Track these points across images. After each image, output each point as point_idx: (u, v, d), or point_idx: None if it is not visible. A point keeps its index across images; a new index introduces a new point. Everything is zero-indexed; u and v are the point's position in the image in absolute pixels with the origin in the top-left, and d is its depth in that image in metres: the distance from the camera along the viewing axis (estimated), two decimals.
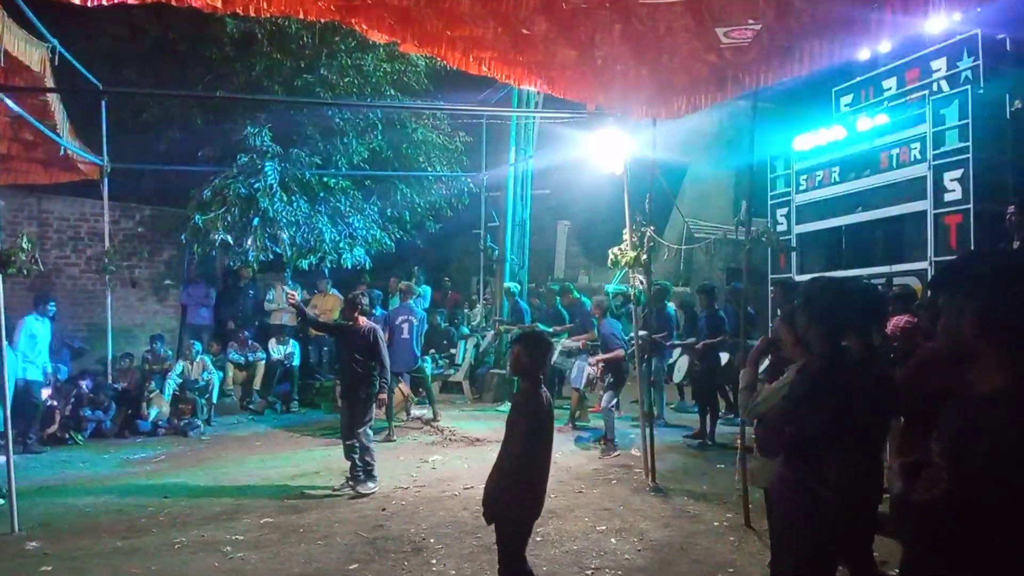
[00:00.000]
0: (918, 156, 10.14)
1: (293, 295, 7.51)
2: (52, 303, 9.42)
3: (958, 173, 9.48)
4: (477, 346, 13.15)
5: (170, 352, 11.23)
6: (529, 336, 4.17)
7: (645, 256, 7.25)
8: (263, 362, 11.67)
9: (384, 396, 7.37)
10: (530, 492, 3.87)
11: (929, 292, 7.15)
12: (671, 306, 10.92)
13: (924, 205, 9.90)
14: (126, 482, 7.47)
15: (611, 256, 7.57)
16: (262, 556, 5.36)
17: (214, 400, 10.71)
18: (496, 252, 14.45)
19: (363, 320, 7.34)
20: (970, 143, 9.35)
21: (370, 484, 6.94)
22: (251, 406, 11.57)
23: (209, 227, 11.11)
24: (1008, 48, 10.25)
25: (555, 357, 10.52)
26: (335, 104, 12.47)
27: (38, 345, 9.04)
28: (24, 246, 5.99)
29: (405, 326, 10.10)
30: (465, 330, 13.50)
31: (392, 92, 13.17)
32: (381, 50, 12.63)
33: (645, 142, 7.59)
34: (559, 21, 5.36)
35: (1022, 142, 9.45)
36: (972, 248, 8.80)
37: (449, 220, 15.29)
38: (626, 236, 7.38)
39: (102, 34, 12.28)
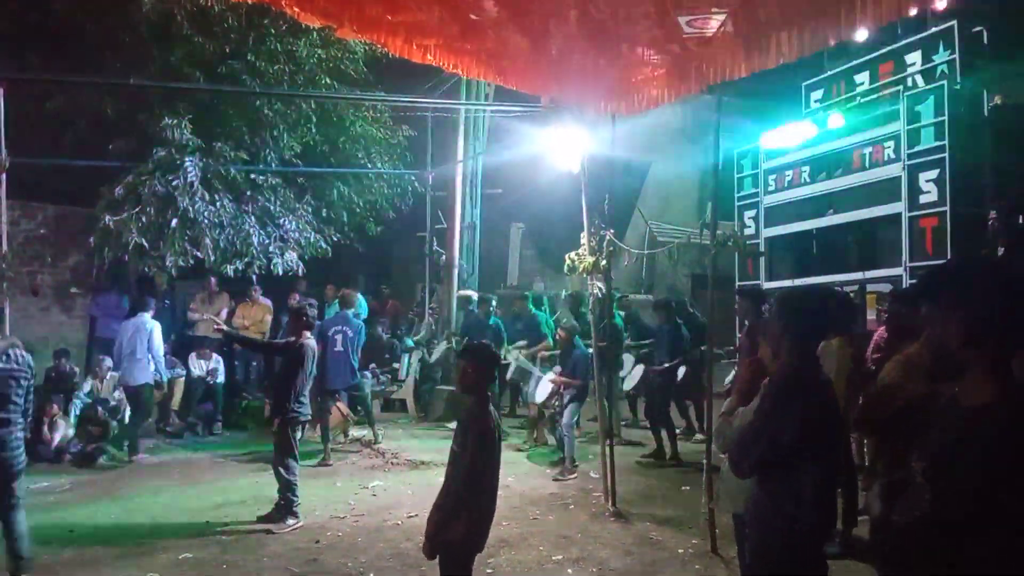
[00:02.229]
0: (892, 155, 10.39)
1: (220, 326, 7.49)
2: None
3: (934, 173, 9.73)
4: (422, 360, 13.08)
5: (77, 369, 10.91)
6: (476, 349, 4.26)
7: (604, 262, 7.31)
8: (182, 379, 11.42)
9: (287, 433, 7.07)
10: (478, 520, 3.88)
11: (889, 301, 7.30)
12: (621, 316, 11.05)
13: (899, 207, 10.14)
14: (25, 515, 7.21)
15: (567, 262, 7.60)
16: None
17: (126, 422, 10.43)
18: (443, 257, 14.40)
19: (305, 334, 7.27)
20: (946, 142, 9.60)
21: (290, 521, 6.79)
22: (168, 429, 11.30)
23: (121, 229, 10.82)
24: (986, 41, 10.55)
25: (510, 372, 10.52)
26: (264, 93, 12.30)
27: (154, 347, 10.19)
28: None
29: (339, 338, 9.99)
30: (409, 343, 13.41)
31: (327, 81, 13.05)
32: (315, 35, 12.51)
33: (604, 139, 7.65)
34: (510, 6, 5.38)
35: (1001, 141, 9.72)
36: (954, 254, 9.04)
37: (392, 222, 15.19)
38: (584, 240, 7.42)
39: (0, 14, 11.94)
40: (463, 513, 3.83)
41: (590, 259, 7.32)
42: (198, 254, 11.30)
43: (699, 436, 10.30)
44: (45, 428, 9.78)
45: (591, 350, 8.26)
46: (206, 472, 9.16)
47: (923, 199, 9.84)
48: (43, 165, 11.97)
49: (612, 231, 7.38)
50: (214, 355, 11.70)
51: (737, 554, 4.09)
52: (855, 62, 12.18)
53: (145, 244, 10.96)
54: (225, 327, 8.52)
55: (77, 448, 9.77)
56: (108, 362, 10.55)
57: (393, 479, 8.66)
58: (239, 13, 12.08)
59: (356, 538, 6.49)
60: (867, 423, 4.21)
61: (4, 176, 9.01)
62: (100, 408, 10.10)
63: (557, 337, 9.77)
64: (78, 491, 8.31)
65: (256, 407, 11.76)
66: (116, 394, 10.29)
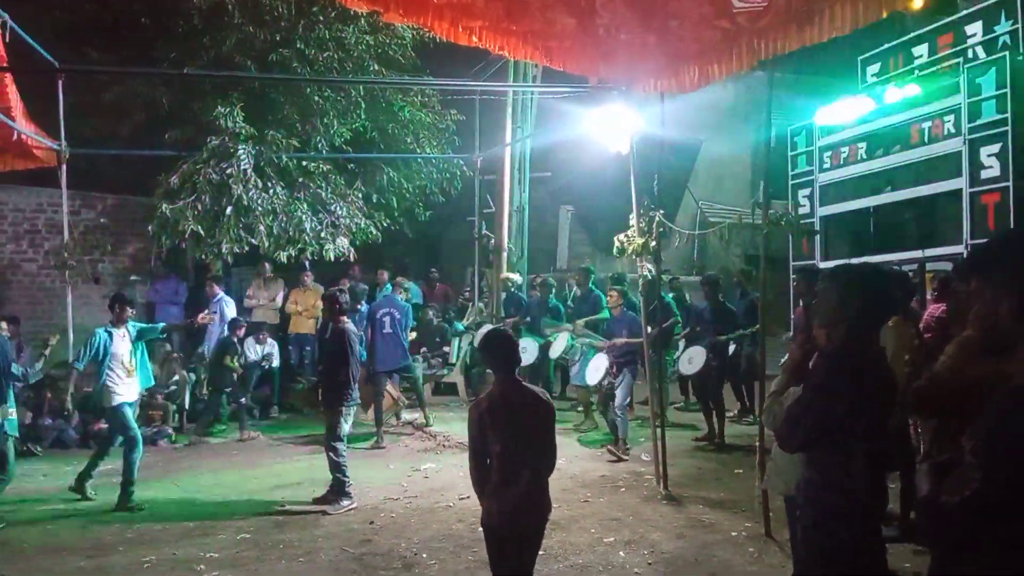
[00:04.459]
0: (952, 130, 10.12)
1: None
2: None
3: (996, 148, 9.46)
4: (472, 343, 13.13)
5: None
6: (489, 336, 4.36)
7: (654, 243, 7.23)
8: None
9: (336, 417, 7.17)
10: (493, 499, 3.93)
11: (939, 279, 7.12)
12: (671, 296, 10.93)
13: (959, 183, 9.89)
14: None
15: (617, 244, 7.55)
16: (239, 575, 5.37)
17: (186, 406, 10.68)
18: (492, 241, 14.40)
19: (343, 319, 7.40)
20: (1009, 115, 9.32)
21: (344, 502, 6.91)
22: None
23: (178, 217, 11.04)
24: None
25: (559, 352, 10.46)
26: (314, 81, 12.40)
27: None
28: None
29: (387, 320, 10.07)
30: (459, 327, 13.46)
31: (376, 67, 13.10)
32: (363, 21, 12.56)
33: (653, 118, 7.56)
34: None
35: None
36: (1009, 228, 8.79)
37: (441, 206, 15.24)
38: (633, 221, 7.35)
39: (58, 7, 12.21)
40: (481, 492, 3.99)
41: (639, 241, 7.25)
42: (252, 241, 11.47)
43: (749, 418, 10.20)
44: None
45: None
46: (263, 454, 9.35)
47: (985, 174, 9.56)
48: (101, 156, 12.26)
49: (662, 212, 7.31)
50: (269, 339, 11.88)
51: (790, 536, 4.04)
52: (913, 34, 11.86)
53: (201, 231, 11.17)
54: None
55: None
56: (167, 348, 10.80)
57: (445, 461, 8.72)
58: (288, 1, 12.19)
59: (409, 519, 6.57)
60: (925, 405, 4.09)
61: (64, 167, 9.26)
62: (160, 393, 10.36)
63: (608, 298, 9.62)
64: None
65: (312, 390, 11.93)
66: (175, 379, 10.54)
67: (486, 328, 12.72)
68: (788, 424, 2.86)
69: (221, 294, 11.05)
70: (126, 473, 7.13)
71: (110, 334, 7.36)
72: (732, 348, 9.66)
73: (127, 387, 7.37)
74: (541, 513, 4.03)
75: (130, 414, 7.43)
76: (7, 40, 8.00)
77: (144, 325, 7.99)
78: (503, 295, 12.82)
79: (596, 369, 9.53)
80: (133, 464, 7.19)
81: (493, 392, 4.04)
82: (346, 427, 7.21)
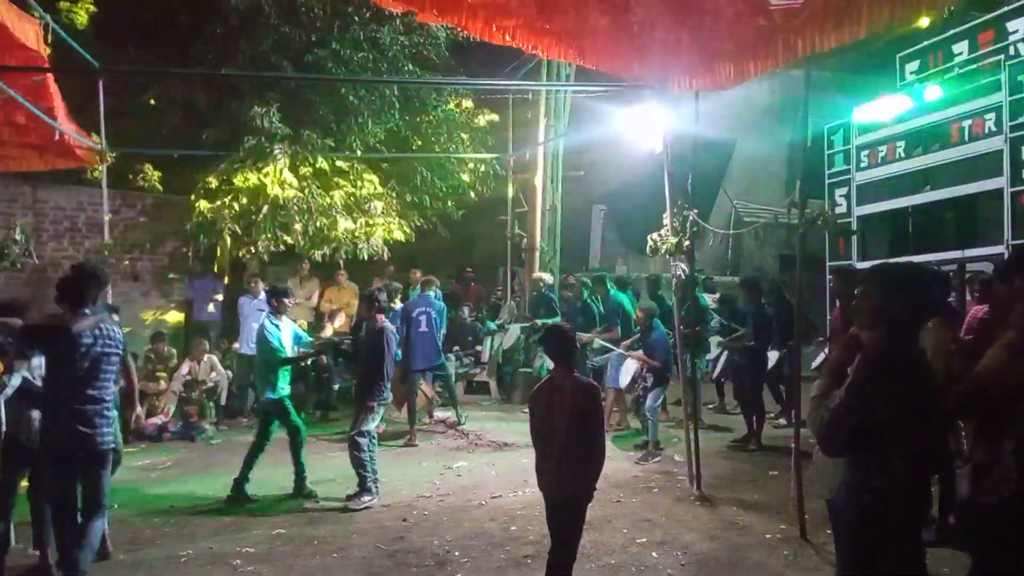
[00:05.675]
0: (993, 128, 9.95)
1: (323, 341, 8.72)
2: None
3: None
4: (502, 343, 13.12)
5: (174, 351, 11.33)
6: (548, 331, 4.97)
7: (688, 242, 7.17)
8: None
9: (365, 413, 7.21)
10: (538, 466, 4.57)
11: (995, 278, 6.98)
12: (705, 298, 10.81)
13: (1000, 183, 9.72)
14: (129, 490, 7.54)
15: (650, 243, 7.49)
16: (273, 569, 5.43)
17: (222, 402, 10.80)
18: (525, 240, 14.40)
19: (380, 318, 7.43)
20: None
21: (365, 498, 6.92)
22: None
23: (215, 216, 11.18)
24: None
25: (593, 358, 10.44)
26: (349, 80, 12.48)
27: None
28: (17, 238, 6.13)
29: (423, 319, 10.10)
30: (492, 325, 13.48)
31: (410, 67, 13.16)
32: (398, 21, 12.63)
33: (687, 117, 7.50)
34: None
35: None
36: None
37: (474, 206, 15.27)
38: (666, 221, 7.30)
39: (97, 6, 12.40)
40: None
41: (673, 240, 7.18)
42: (288, 239, 11.58)
43: (781, 421, 10.07)
44: (141, 409, 10.20)
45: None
46: None
47: None
48: (140, 155, 12.44)
49: (696, 211, 7.24)
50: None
51: (833, 539, 3.98)
52: (953, 31, 11.67)
53: (238, 230, 11.30)
54: (329, 338, 8.97)
55: (177, 427, 10.20)
56: (205, 344, 10.93)
57: (477, 460, 8.74)
58: (324, 2, 12.28)
59: (442, 517, 6.59)
60: (966, 407, 4.02)
61: (105, 166, 9.40)
62: (197, 390, 10.49)
63: (636, 321, 9.67)
64: (178, 467, 8.67)
65: (345, 388, 12.00)
66: (213, 375, 10.67)
67: (514, 328, 12.85)
68: (830, 427, 2.82)
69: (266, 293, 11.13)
70: (297, 461, 7.42)
71: (276, 325, 7.43)
72: (774, 355, 9.51)
73: (284, 379, 7.50)
74: (567, 492, 4.41)
75: (290, 405, 7.57)
76: (48, 41, 8.10)
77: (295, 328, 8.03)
78: (533, 294, 12.80)
79: (627, 372, 9.53)
80: (299, 453, 7.43)
81: (546, 379, 4.67)
82: (372, 424, 7.22)
